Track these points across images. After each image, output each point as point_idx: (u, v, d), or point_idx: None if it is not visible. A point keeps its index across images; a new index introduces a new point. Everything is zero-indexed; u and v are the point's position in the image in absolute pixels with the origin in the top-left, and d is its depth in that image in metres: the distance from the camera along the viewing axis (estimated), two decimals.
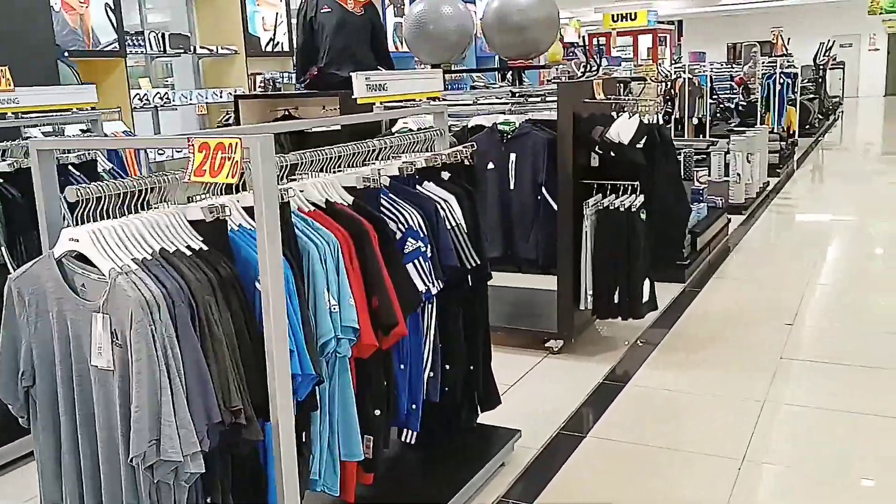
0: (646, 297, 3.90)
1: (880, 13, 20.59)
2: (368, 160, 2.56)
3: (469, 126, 4.28)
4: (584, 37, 12.83)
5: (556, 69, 14.13)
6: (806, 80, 15.55)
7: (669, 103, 13.32)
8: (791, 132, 11.75)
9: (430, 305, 2.50)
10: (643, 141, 3.79)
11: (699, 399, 3.50)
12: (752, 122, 11.98)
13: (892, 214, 7.57)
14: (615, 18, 21.22)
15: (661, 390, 3.62)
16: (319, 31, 4.44)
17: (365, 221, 2.16)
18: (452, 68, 6.63)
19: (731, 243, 6.38)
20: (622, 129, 3.74)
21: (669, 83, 13.38)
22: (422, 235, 2.38)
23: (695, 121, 12.71)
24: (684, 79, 12.61)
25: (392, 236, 2.31)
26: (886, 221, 7.27)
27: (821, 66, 15.80)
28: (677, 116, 12.98)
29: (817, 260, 5.82)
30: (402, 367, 2.41)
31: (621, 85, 12.05)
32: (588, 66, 11.11)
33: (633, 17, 21.06)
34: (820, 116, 15.45)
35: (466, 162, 2.85)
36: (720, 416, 3.32)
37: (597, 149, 3.85)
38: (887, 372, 3.70)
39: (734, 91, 15.21)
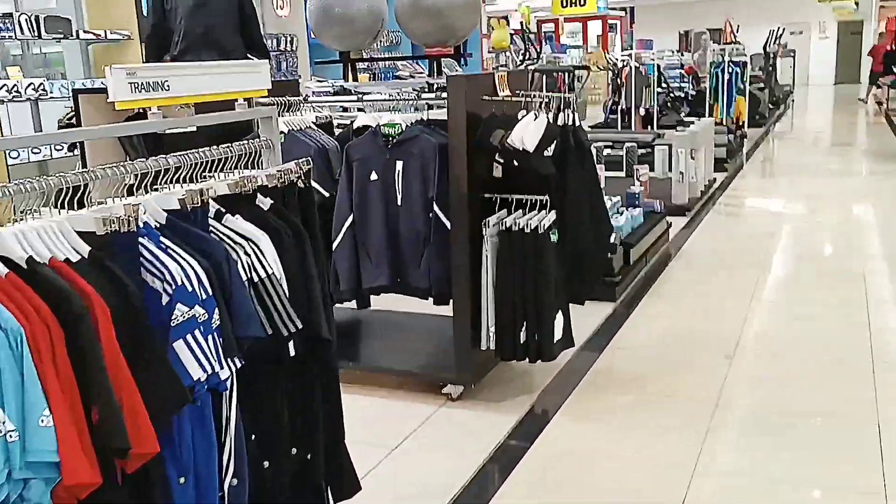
0: (558, 335, 3.26)
1: (830, 1, 20.33)
2: (147, 185, 1.86)
3: (354, 127, 3.59)
4: (521, 22, 12.14)
5: (505, 55, 13.54)
6: (757, 69, 15.14)
7: (616, 93, 12.81)
8: (740, 123, 11.27)
9: (226, 392, 1.81)
10: (552, 147, 3.13)
11: (617, 467, 2.86)
12: (702, 112, 11.50)
13: (841, 211, 7.09)
14: (564, 4, 20.64)
15: (573, 454, 2.97)
16: (173, 11, 3.69)
17: (88, 288, 1.45)
18: (364, 56, 5.89)
19: (672, 250, 5.79)
20: (526, 133, 3.08)
21: (616, 72, 12.86)
22: (202, 297, 1.68)
23: (642, 111, 12.19)
24: (631, 68, 12.07)
25: (147, 303, 1.61)
26: (835, 220, 6.77)
27: (771, 55, 15.39)
28: (624, 107, 12.45)
29: (763, 269, 5.25)
30: (181, 480, 1.72)
31: (566, 75, 11.39)
32: (526, 53, 10.49)
33: (582, 2, 20.52)
34: (770, 106, 15.04)
35: (301, 184, 2.17)
36: (642, 492, 2.69)
37: (497, 157, 3.19)
38: (836, 419, 3.11)
39: (685, 80, 14.79)
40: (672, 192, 6.90)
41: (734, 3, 24.12)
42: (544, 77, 12.17)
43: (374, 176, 3.35)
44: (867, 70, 19.43)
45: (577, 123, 3.35)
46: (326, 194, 3.45)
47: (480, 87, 3.23)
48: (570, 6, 20.45)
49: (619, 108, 12.63)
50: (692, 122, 9.20)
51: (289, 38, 9.25)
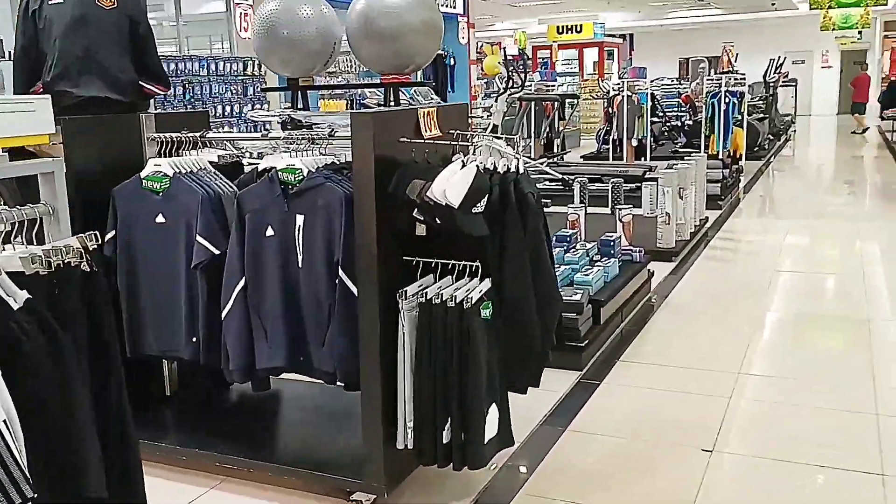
0: (491, 433, 2.62)
1: (833, 29, 19.88)
2: None
3: (259, 169, 2.99)
4: (504, 49, 11.44)
5: (497, 81, 12.96)
6: (757, 98, 14.61)
7: (608, 123, 12.28)
8: (737, 156, 10.68)
9: None
10: (483, 201, 2.52)
11: None
12: (699, 143, 10.95)
13: (844, 254, 6.46)
14: (560, 30, 20.23)
15: None
16: (46, 29, 3.09)
17: None
18: (314, 82, 5.29)
19: (654, 301, 5.17)
20: (450, 185, 2.47)
21: (608, 100, 12.34)
22: None
23: (634, 142, 11.64)
24: (623, 96, 11.53)
25: None
26: (838, 265, 6.14)
27: (771, 84, 14.84)
28: (615, 137, 11.91)
29: (756, 326, 4.62)
30: None
31: (554, 103, 10.82)
32: (509, 81, 9.93)
33: (578, 29, 20.12)
34: (770, 137, 14.47)
35: (86, 267, 1.56)
36: None
37: (416, 213, 2.58)
38: None
39: (683, 109, 14.31)
40: (657, 234, 6.29)
41: (736, 30, 23.69)
42: (532, 105, 11.65)
43: (269, 231, 2.74)
44: (870, 100, 18.97)
45: (522, 171, 2.75)
46: (217, 251, 2.84)
47: (397, 126, 2.63)
48: (566, 32, 20.03)
49: (612, 138, 12.10)
50: (688, 154, 8.62)
51: (256, 63, 8.71)
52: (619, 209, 6.30)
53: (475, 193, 2.49)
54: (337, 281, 2.64)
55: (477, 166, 2.53)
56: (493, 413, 2.63)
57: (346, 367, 2.68)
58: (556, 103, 11.82)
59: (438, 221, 2.54)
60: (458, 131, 2.90)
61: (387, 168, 2.54)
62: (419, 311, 2.57)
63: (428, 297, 2.55)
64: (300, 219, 2.70)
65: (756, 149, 12.69)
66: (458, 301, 2.51)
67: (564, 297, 4.07)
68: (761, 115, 14.17)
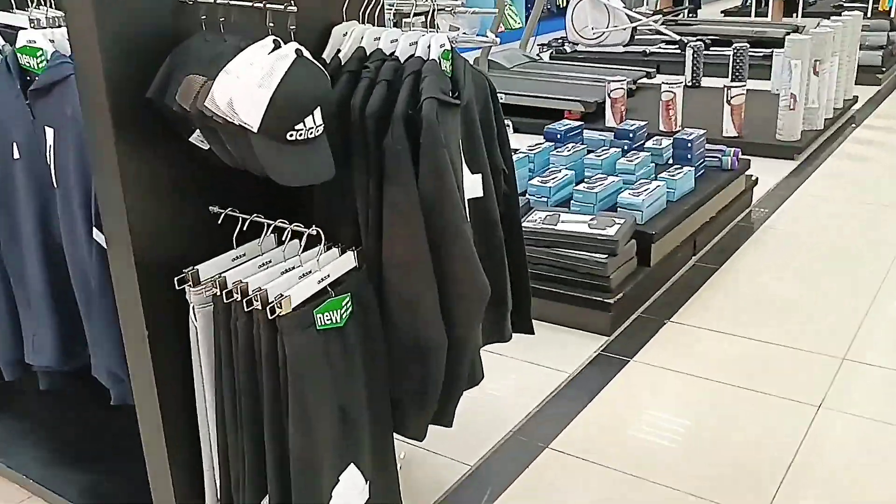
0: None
1: None
2: None
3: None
4: None
5: None
6: None
7: None
8: None
9: None
10: (312, 119, 1.33)
11: None
12: None
13: None
14: None
15: None
16: None
17: None
18: None
19: (752, 223, 3.80)
20: (241, 87, 1.29)
21: None
22: None
23: None
24: None
25: None
26: None
27: None
28: None
29: (886, 281, 3.20)
30: None
31: None
32: None
33: None
34: None
35: None
36: None
37: (195, 136, 1.43)
38: None
39: None
40: (778, 124, 4.75)
41: None
42: None
43: (16, 152, 1.68)
44: None
45: (434, 57, 1.52)
46: None
47: None
48: None
49: None
50: (855, 9, 6.70)
51: None
52: (729, 87, 4.80)
53: (291, 105, 1.31)
54: (93, 244, 1.58)
55: (298, 50, 1.32)
56: (349, 481, 1.55)
57: (114, 380, 1.66)
58: None
59: (232, 153, 1.39)
60: None
61: (149, 53, 1.38)
62: (216, 311, 1.48)
63: (228, 289, 1.44)
64: (50, 134, 1.62)
65: None
66: (268, 300, 1.39)
67: (596, 231, 2.86)
68: None
